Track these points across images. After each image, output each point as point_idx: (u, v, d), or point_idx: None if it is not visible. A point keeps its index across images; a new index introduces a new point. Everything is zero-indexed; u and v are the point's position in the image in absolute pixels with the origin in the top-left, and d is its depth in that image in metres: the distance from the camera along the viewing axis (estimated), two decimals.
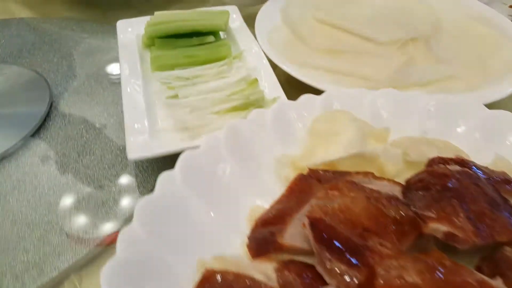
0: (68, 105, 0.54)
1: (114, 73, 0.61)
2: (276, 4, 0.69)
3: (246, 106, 0.47)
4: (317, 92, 0.49)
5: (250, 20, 0.65)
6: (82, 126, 0.50)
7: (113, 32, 0.62)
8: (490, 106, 0.45)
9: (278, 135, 0.41)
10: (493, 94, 0.50)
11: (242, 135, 0.39)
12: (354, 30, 0.61)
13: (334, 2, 0.71)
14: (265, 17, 0.65)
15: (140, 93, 0.50)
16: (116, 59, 0.63)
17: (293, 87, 0.53)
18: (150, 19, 0.60)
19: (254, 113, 0.41)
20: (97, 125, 0.51)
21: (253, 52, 0.58)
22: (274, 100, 0.49)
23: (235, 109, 0.47)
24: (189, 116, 0.46)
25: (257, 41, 0.59)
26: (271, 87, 0.51)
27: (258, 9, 0.67)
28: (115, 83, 0.58)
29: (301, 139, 0.41)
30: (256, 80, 0.50)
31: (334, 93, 0.45)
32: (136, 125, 0.44)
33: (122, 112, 0.46)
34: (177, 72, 0.54)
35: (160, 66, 0.55)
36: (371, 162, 0.38)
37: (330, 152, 0.38)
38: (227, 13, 0.62)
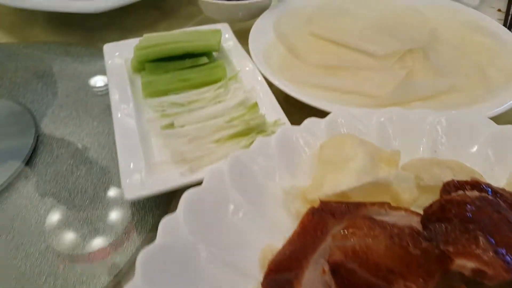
0: (56, 138, 0.51)
1: (104, 100, 0.58)
2: (268, 20, 0.67)
3: (247, 132, 0.45)
4: (318, 111, 0.47)
5: (241, 36, 0.63)
6: (72, 161, 0.47)
7: (100, 54, 0.59)
8: (494, 118, 0.44)
9: (284, 165, 0.38)
10: (497, 107, 0.48)
11: (246, 167, 0.37)
12: (350, 44, 0.59)
13: (327, 14, 0.69)
14: (258, 34, 0.62)
15: (133, 122, 0.47)
16: (105, 85, 0.60)
17: (292, 106, 0.50)
18: (139, 42, 0.57)
19: (257, 142, 0.39)
20: (88, 159, 0.48)
21: (249, 71, 0.56)
22: (276, 123, 0.47)
23: (236, 135, 0.45)
24: (188, 147, 0.43)
25: (252, 60, 0.56)
26: (270, 108, 0.49)
27: (249, 25, 0.65)
28: (106, 111, 0.55)
29: (309, 167, 0.39)
30: (255, 104, 0.47)
31: (338, 115, 0.43)
32: (131, 161, 0.41)
33: (114, 143, 0.44)
34: (171, 98, 0.51)
35: (153, 92, 0.52)
36: (384, 189, 0.36)
37: (341, 180, 0.36)
38: (219, 32, 0.60)
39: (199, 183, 0.40)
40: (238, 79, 0.55)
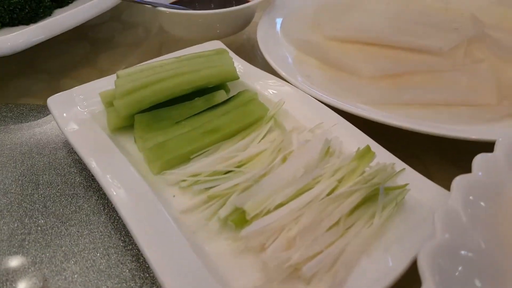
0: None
1: (84, 182, 0.34)
2: (266, 30, 0.50)
3: (371, 194, 0.27)
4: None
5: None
6: None
7: (30, 115, 0.36)
8: None
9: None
10: None
11: None
12: (401, 42, 0.45)
13: (334, 13, 0.54)
14: (271, 48, 0.45)
15: (166, 220, 0.26)
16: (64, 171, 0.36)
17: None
18: (116, 84, 0.35)
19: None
20: None
21: (293, 98, 0.38)
22: (392, 170, 0.30)
23: (356, 208, 0.27)
24: (296, 253, 0.24)
25: (291, 82, 0.39)
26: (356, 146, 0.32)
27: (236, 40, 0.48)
28: (97, 205, 0.32)
29: None
30: (368, 148, 0.29)
31: (509, 141, 0.27)
32: None
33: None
34: (202, 164, 0.31)
35: (168, 162, 0.31)
36: None
37: None
38: (225, 52, 0.40)
39: None
40: (282, 114, 0.37)
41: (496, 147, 0.27)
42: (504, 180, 0.25)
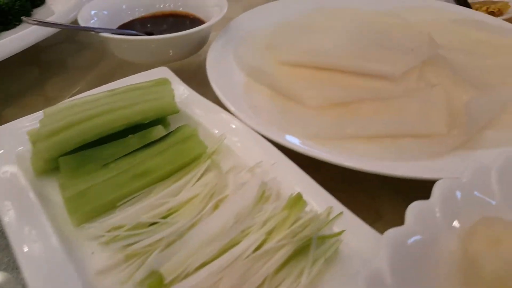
0: None
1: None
2: (219, 53, 0.48)
3: (303, 248, 0.25)
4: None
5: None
6: None
7: None
8: None
9: None
10: None
11: None
12: (350, 67, 0.43)
13: (288, 35, 0.52)
14: (219, 74, 0.43)
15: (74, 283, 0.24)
16: None
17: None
18: (40, 124, 0.32)
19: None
20: None
21: (234, 132, 0.36)
22: (328, 216, 0.28)
23: (287, 262, 0.25)
24: None
25: (235, 114, 0.37)
26: (295, 185, 0.29)
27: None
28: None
29: None
30: (299, 196, 0.27)
31: (449, 185, 0.25)
32: None
33: None
34: (127, 215, 0.28)
35: (90, 212, 0.29)
36: None
37: None
38: (167, 83, 0.38)
39: None
40: (223, 151, 0.35)
41: (433, 192, 0.25)
42: (438, 232, 0.23)
